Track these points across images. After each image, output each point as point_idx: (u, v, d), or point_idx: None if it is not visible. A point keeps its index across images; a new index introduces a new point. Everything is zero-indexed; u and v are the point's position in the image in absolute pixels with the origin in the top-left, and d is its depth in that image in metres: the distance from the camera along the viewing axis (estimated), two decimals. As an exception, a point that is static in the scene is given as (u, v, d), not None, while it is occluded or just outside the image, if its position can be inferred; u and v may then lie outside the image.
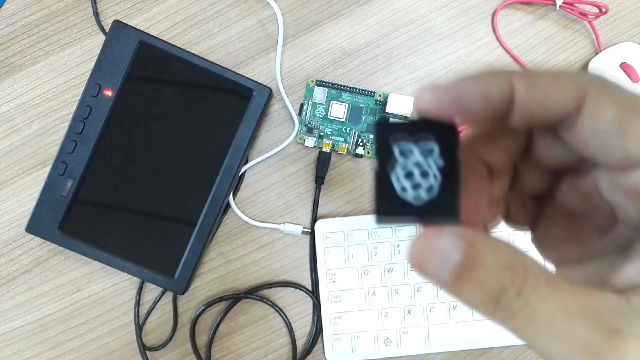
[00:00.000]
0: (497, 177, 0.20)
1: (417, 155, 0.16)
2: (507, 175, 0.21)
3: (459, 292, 0.16)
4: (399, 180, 0.16)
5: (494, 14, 0.48)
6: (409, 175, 0.16)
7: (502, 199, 0.22)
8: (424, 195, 0.16)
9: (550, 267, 0.20)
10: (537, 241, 0.22)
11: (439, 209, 0.16)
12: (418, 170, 0.16)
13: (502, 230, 0.43)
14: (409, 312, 0.46)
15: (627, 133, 0.15)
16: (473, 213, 0.19)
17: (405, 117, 0.46)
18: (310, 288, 0.47)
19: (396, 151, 0.16)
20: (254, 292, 0.47)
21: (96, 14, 0.48)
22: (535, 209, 0.22)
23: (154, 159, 0.46)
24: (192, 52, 0.46)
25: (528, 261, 0.16)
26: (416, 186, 0.16)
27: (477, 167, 0.19)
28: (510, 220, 0.22)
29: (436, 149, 0.16)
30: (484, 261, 0.15)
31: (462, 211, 0.16)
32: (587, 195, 0.19)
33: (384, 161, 0.16)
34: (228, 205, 0.47)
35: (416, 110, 0.16)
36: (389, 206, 0.16)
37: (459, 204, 0.16)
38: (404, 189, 0.16)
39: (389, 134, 0.16)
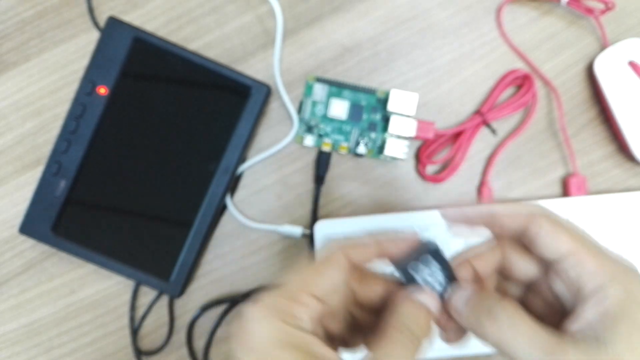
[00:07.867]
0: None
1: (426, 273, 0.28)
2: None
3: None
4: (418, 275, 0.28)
5: (498, 10, 0.47)
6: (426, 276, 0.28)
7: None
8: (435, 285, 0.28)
9: None
10: None
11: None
12: (430, 276, 0.28)
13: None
14: (412, 315, 0.45)
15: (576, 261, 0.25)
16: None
17: (407, 115, 0.45)
18: (309, 291, 0.46)
19: (412, 271, 0.28)
20: (253, 296, 0.46)
21: (90, 10, 0.47)
22: None
23: (148, 158, 0.45)
24: (189, 48, 0.45)
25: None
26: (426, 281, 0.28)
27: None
28: None
29: (440, 273, 0.28)
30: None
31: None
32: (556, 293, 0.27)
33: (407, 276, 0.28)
34: (225, 206, 0.46)
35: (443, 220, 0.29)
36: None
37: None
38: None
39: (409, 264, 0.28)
